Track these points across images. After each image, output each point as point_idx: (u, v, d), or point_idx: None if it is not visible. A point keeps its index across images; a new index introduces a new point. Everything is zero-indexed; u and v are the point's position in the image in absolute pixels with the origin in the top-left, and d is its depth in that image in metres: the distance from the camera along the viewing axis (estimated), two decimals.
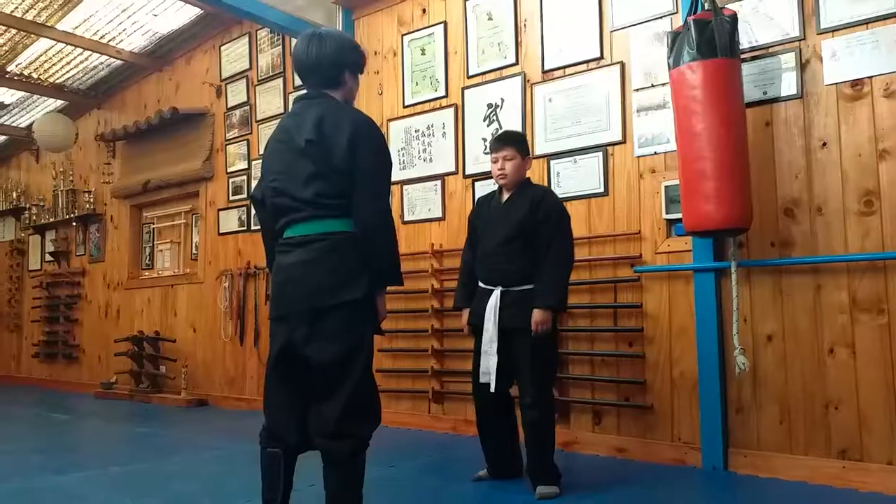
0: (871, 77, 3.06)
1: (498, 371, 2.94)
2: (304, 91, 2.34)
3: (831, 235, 3.12)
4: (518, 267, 3.01)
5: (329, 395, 2.10)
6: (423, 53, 4.77)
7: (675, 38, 3.11)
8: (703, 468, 3.32)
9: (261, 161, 2.43)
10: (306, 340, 2.11)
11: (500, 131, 4.04)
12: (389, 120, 4.90)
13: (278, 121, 5.88)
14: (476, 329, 3.12)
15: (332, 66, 2.25)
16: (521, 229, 3.01)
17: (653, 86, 3.69)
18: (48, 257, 8.20)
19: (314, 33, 2.28)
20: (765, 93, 3.32)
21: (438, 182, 4.61)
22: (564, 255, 3.01)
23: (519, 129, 4.18)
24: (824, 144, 3.17)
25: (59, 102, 7.74)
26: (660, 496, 2.95)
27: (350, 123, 2.16)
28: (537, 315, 2.89)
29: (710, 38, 2.98)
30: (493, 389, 2.95)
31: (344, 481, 2.12)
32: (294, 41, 5.45)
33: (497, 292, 3.00)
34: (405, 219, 4.74)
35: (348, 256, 2.14)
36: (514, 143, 3.10)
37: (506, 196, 3.14)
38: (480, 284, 3.13)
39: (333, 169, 2.13)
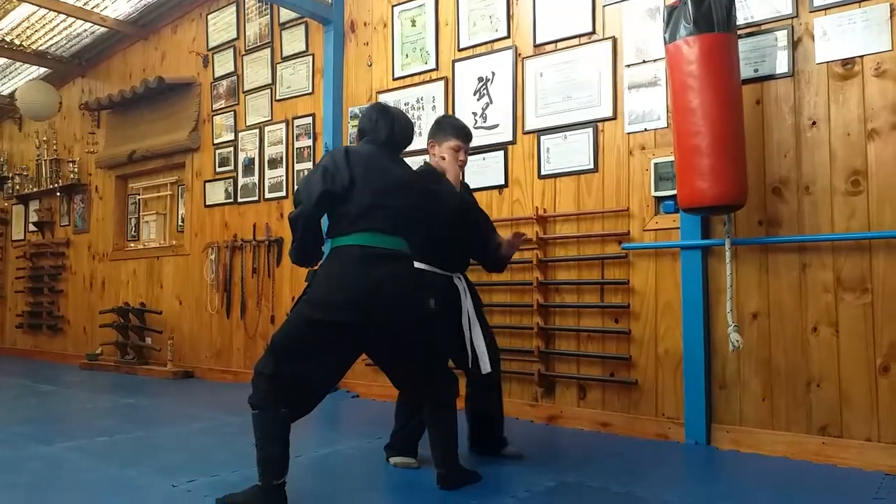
0: (861, 56, 3.06)
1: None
2: None
3: (818, 215, 3.14)
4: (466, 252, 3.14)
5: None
6: (413, 25, 4.71)
7: (672, 12, 3.07)
8: (685, 443, 3.36)
9: None
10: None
11: (485, 109, 3.98)
12: (379, 92, 4.85)
13: (267, 91, 5.75)
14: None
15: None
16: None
17: (644, 62, 3.67)
18: (32, 227, 8.11)
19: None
20: (756, 70, 3.31)
21: (427, 157, 4.55)
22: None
23: (510, 103, 4.16)
24: (814, 123, 3.17)
25: (43, 70, 7.61)
26: (642, 470, 2.98)
27: None
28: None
29: (708, 13, 2.94)
30: (488, 369, 2.92)
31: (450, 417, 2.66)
32: (281, 10, 5.42)
33: (461, 278, 3.04)
34: None
35: None
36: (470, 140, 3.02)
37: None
38: (435, 270, 2.98)
39: None
